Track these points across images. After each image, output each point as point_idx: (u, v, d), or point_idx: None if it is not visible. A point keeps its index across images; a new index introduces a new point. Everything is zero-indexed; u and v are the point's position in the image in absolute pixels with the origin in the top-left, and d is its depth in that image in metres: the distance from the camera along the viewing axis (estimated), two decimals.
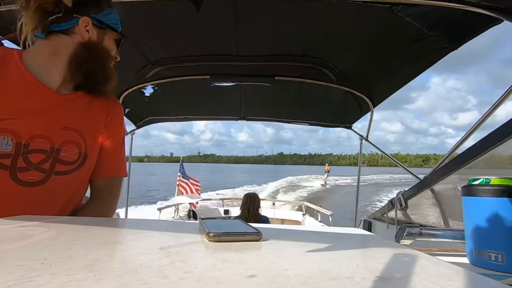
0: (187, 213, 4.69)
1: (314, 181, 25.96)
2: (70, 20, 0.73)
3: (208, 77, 2.03)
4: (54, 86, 0.76)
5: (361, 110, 2.38)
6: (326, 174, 26.50)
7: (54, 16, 0.72)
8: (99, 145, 0.83)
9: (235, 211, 4.79)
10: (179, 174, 5.97)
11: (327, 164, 28.54)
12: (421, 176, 1.75)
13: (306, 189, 19.93)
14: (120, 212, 2.76)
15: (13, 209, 0.61)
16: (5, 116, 0.67)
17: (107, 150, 0.85)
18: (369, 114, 2.35)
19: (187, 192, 5.73)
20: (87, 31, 0.76)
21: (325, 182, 24.47)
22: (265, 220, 3.19)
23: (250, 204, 3.11)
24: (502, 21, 1.04)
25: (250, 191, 3.43)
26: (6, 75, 0.70)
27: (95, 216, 0.76)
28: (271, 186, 21.51)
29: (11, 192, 0.67)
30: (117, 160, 0.88)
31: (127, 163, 2.88)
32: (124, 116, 2.64)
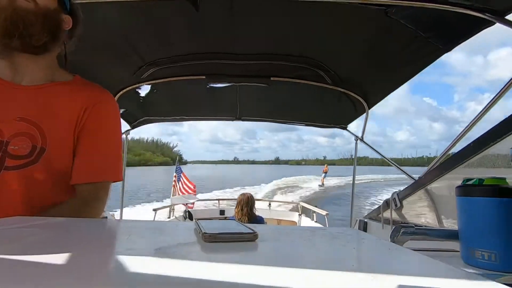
0: (182, 214, 4.67)
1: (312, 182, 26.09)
2: None
3: (204, 77, 2.03)
4: (19, 80, 0.74)
5: (356, 111, 2.39)
6: (323, 174, 26.29)
7: None
8: (68, 142, 0.75)
9: (231, 212, 4.79)
10: (174, 174, 5.94)
11: (326, 165, 28.50)
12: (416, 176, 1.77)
13: (304, 189, 20.01)
14: (115, 213, 2.74)
15: None
16: None
17: (86, 151, 0.76)
18: (364, 114, 2.37)
19: (182, 193, 5.71)
20: None
21: (322, 183, 24.32)
22: (259, 220, 3.19)
23: (244, 204, 3.11)
24: (495, 23, 1.05)
25: (246, 192, 3.43)
26: None
27: (75, 212, 0.69)
28: (268, 187, 21.55)
29: None
30: (101, 162, 0.78)
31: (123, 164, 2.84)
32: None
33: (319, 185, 23.60)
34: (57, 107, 0.75)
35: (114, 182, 0.82)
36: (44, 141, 0.71)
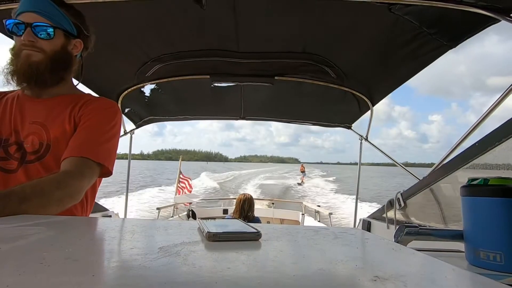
0: (186, 212, 4.69)
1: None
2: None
3: (208, 77, 2.03)
4: (41, 96, 0.93)
5: (360, 109, 2.38)
6: (303, 173, 27.02)
7: None
8: (68, 137, 0.87)
9: None
10: (179, 175, 5.98)
11: (301, 165, 29.71)
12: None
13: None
14: (119, 211, 2.76)
15: None
16: None
17: (74, 137, 0.88)
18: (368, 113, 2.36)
19: (184, 192, 5.74)
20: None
21: (302, 181, 25.19)
22: (256, 221, 3.19)
23: (243, 205, 3.11)
24: (499, 20, 1.04)
25: (246, 193, 3.43)
26: (12, 101, 0.91)
27: (54, 181, 0.74)
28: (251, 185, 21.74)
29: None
30: (84, 142, 0.85)
31: (127, 162, 2.86)
32: (124, 116, 2.63)
33: (298, 183, 24.34)
34: (61, 111, 0.91)
35: (96, 162, 0.84)
36: (49, 138, 0.87)
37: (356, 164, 2.80)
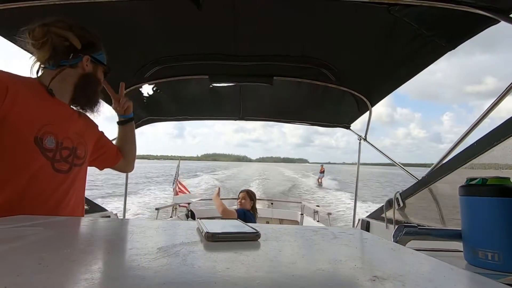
0: (185, 213, 4.67)
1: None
2: (77, 57, 1.01)
3: (207, 77, 2.03)
4: (67, 102, 1.03)
5: (359, 109, 2.38)
6: (320, 174, 27.19)
7: (69, 56, 0.99)
8: (92, 147, 1.11)
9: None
10: (175, 177, 5.97)
11: (322, 165, 29.67)
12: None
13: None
14: (118, 212, 2.75)
15: (51, 191, 0.91)
16: (45, 122, 0.92)
17: (108, 141, 1.22)
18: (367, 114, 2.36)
19: (183, 192, 5.72)
20: (87, 65, 1.03)
21: (319, 182, 25.58)
22: (243, 213, 3.13)
23: (250, 197, 3.09)
24: (499, 21, 1.04)
25: (248, 188, 3.42)
26: (37, 95, 0.94)
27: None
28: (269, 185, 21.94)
29: (51, 177, 0.92)
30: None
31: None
32: None
33: (316, 183, 24.53)
34: (88, 126, 1.11)
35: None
36: (87, 147, 1.06)
37: (360, 163, 2.80)
